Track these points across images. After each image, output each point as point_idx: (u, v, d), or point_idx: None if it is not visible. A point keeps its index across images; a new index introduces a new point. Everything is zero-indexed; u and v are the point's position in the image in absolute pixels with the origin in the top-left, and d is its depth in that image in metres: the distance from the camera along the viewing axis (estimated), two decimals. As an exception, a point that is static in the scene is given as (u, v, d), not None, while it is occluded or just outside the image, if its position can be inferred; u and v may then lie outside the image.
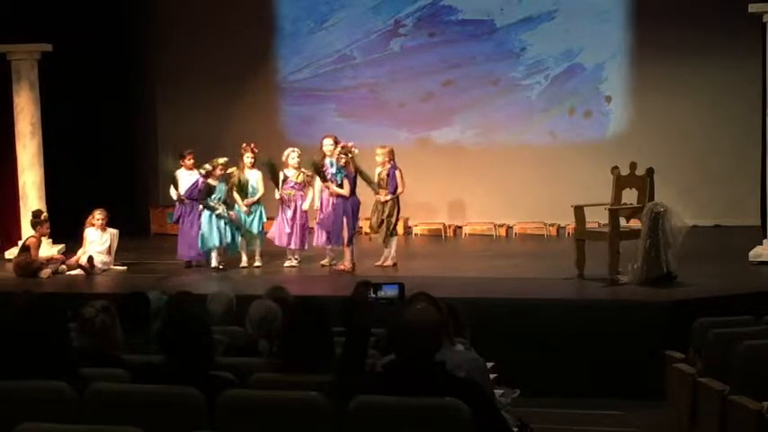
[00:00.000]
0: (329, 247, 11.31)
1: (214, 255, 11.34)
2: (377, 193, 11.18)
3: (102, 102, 15.00)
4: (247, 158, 11.41)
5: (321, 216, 11.21)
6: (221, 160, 11.34)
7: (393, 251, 11.24)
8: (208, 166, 11.34)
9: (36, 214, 11.65)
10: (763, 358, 5.57)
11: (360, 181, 11.21)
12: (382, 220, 11.10)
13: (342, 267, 11.07)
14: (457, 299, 7.27)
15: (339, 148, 11.03)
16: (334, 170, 11.16)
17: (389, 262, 11.20)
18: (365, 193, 11.44)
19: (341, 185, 11.01)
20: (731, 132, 14.19)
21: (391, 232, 11.20)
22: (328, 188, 11.05)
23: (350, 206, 11.05)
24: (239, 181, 11.37)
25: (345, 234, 11.02)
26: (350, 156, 11.03)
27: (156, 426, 3.71)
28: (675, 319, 8.26)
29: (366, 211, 11.61)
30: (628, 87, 14.86)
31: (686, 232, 9.56)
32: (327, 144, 11.25)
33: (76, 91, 14.25)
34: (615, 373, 8.37)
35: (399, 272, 10.81)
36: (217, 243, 11.24)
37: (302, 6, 15.84)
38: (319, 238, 11.31)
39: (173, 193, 11.61)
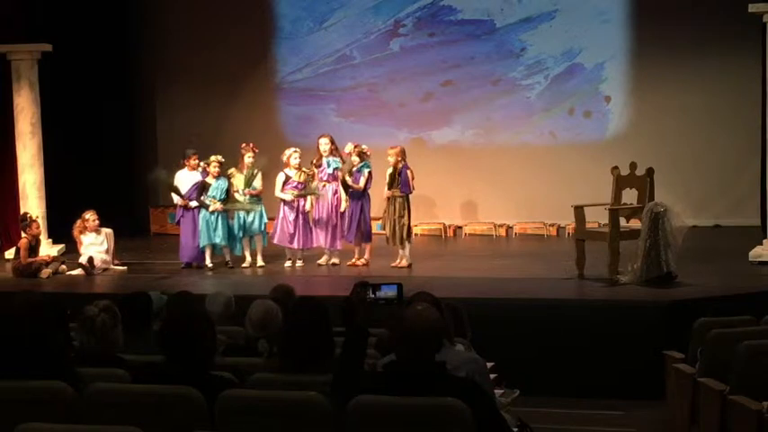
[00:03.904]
0: (332, 247, 11.41)
1: (208, 253, 11.35)
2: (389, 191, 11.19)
3: (102, 102, 15.01)
4: (248, 158, 11.40)
5: (334, 219, 11.27)
6: (214, 158, 11.36)
7: (408, 252, 11.24)
8: (202, 164, 11.41)
9: (22, 217, 11.65)
10: (763, 358, 5.57)
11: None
12: (394, 223, 11.09)
13: (362, 263, 11.30)
14: (457, 299, 7.28)
15: (360, 148, 11.26)
16: (330, 170, 11.24)
17: (404, 263, 11.20)
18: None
19: (364, 180, 11.23)
20: (731, 132, 14.18)
21: (407, 236, 11.20)
22: (353, 185, 11.17)
23: (368, 201, 11.39)
24: (246, 179, 11.37)
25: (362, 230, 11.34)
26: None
27: (156, 426, 3.72)
28: (675, 319, 8.26)
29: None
30: (628, 87, 14.85)
31: (686, 232, 9.56)
32: (324, 144, 11.31)
33: (76, 91, 14.26)
34: (615, 372, 8.36)
35: (400, 272, 10.80)
36: (211, 240, 11.25)
37: (302, 6, 15.83)
38: (334, 239, 11.37)
39: (176, 199, 11.56)
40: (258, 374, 4.41)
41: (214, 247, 11.39)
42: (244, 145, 11.55)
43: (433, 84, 15.38)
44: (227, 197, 11.36)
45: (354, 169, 11.24)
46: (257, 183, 11.42)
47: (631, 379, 8.24)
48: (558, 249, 12.59)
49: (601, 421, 7.71)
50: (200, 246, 11.35)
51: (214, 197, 11.29)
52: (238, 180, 11.38)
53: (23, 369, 4.07)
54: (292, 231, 11.35)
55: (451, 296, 7.47)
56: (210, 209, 11.23)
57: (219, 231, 11.27)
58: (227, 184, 11.36)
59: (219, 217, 11.27)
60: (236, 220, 11.41)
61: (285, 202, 11.35)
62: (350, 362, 4.07)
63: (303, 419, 3.87)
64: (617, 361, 8.41)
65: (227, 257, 11.47)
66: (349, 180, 11.20)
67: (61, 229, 12.40)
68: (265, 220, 11.48)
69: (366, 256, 11.41)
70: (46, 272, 11.13)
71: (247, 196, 11.31)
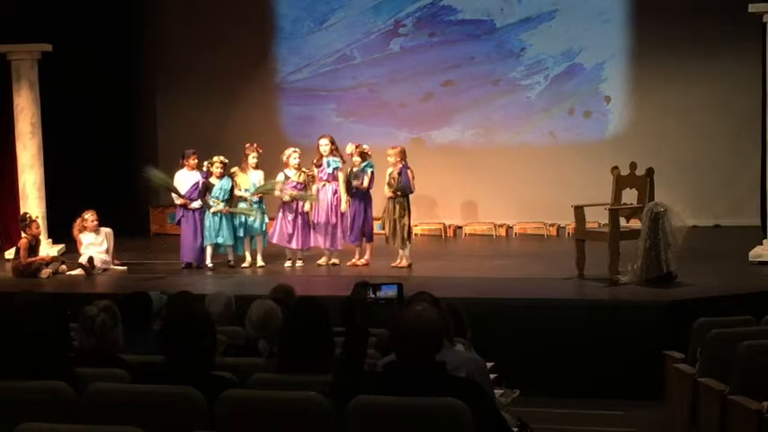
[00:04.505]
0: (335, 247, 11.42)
1: (209, 253, 11.35)
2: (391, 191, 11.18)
3: (102, 102, 15.01)
4: (252, 159, 11.41)
5: (334, 219, 11.28)
6: (217, 158, 11.37)
7: (408, 252, 11.24)
8: (206, 163, 11.42)
9: (22, 217, 11.66)
10: (763, 358, 5.57)
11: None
12: (395, 223, 11.09)
13: (363, 263, 11.30)
14: (457, 299, 7.28)
15: (361, 148, 11.28)
16: (330, 170, 11.25)
17: (404, 263, 11.19)
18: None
19: (368, 180, 11.22)
20: (731, 132, 14.18)
21: (407, 236, 11.20)
22: (357, 186, 11.16)
23: (370, 201, 11.38)
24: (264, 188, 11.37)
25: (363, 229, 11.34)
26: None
27: (156, 426, 3.71)
28: (675, 319, 8.26)
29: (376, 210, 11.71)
30: (628, 87, 14.85)
31: (686, 232, 9.57)
32: (324, 144, 11.32)
33: (76, 91, 14.25)
34: (615, 373, 8.37)
35: (400, 272, 10.80)
36: (214, 240, 11.25)
37: (302, 6, 15.84)
38: (334, 239, 11.37)
39: (176, 198, 11.56)
40: (258, 374, 4.41)
41: (217, 246, 11.39)
42: (248, 145, 11.55)
43: (433, 84, 15.38)
44: (231, 197, 11.36)
45: (357, 169, 11.23)
46: (259, 183, 11.42)
47: (631, 379, 8.24)
48: (558, 249, 12.59)
49: (601, 421, 7.71)
50: (204, 244, 11.34)
51: (217, 197, 11.29)
52: (241, 180, 11.39)
53: (23, 369, 4.07)
54: (291, 231, 11.36)
55: (451, 296, 7.48)
56: (212, 210, 11.23)
57: (224, 231, 11.28)
58: (230, 184, 11.36)
59: (223, 217, 11.27)
60: (237, 219, 11.41)
61: (284, 201, 11.36)
62: (350, 362, 4.07)
63: (303, 419, 3.87)
64: (617, 361, 8.41)
65: (230, 257, 11.47)
66: (355, 183, 11.18)
67: (61, 229, 12.41)
68: (266, 220, 11.49)
69: (366, 256, 11.41)
70: (46, 272, 11.13)
71: (254, 197, 11.31)
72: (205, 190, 11.33)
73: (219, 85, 15.64)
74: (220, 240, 11.30)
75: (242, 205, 11.35)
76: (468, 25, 15.23)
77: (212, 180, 11.34)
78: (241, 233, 11.41)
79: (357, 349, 4.11)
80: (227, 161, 11.43)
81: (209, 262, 11.35)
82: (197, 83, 15.76)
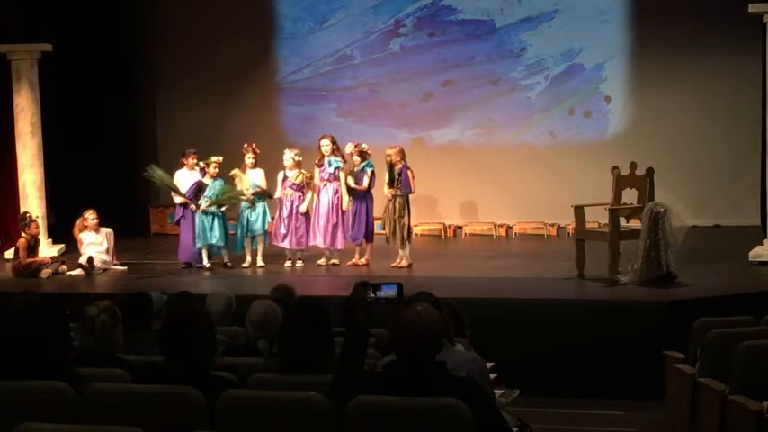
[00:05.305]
0: (337, 247, 11.42)
1: (204, 254, 11.34)
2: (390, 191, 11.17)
3: (102, 102, 15.01)
4: (248, 159, 11.41)
5: (335, 219, 11.27)
6: (214, 159, 11.36)
7: (408, 252, 11.24)
8: (201, 164, 11.41)
9: (22, 217, 11.66)
10: (763, 358, 5.57)
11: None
12: (395, 223, 11.09)
13: (363, 262, 11.29)
14: (457, 299, 7.28)
15: (360, 147, 11.30)
16: (331, 170, 11.25)
17: (404, 263, 11.19)
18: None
19: (368, 180, 11.21)
20: (731, 132, 14.18)
21: (407, 236, 11.19)
22: (356, 187, 11.15)
23: (371, 200, 11.36)
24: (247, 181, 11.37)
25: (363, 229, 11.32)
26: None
27: (156, 426, 3.71)
28: (675, 319, 8.26)
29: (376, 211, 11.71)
30: (628, 87, 14.85)
31: (686, 232, 9.57)
32: (325, 145, 11.32)
33: (76, 91, 14.25)
34: (615, 373, 8.37)
35: (400, 272, 10.79)
36: (207, 241, 11.24)
37: (302, 6, 15.84)
38: (334, 239, 11.35)
39: (176, 198, 11.55)
40: (258, 374, 4.41)
41: (211, 247, 11.38)
42: (246, 145, 11.56)
43: (433, 84, 15.38)
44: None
45: (357, 169, 11.24)
46: (261, 183, 11.41)
47: (631, 379, 8.24)
48: (558, 249, 12.59)
49: (601, 421, 7.71)
50: (197, 246, 11.33)
51: (210, 197, 11.28)
52: (241, 180, 11.38)
53: (23, 369, 4.07)
54: (285, 232, 11.37)
55: (451, 296, 7.47)
56: (201, 208, 11.19)
57: (216, 232, 11.26)
58: (223, 185, 11.35)
59: (215, 218, 11.26)
60: (238, 219, 11.41)
61: (281, 201, 11.37)
62: (350, 362, 4.07)
63: (303, 419, 3.87)
64: (617, 361, 8.41)
65: (226, 258, 11.46)
66: (351, 183, 11.19)
67: (61, 229, 12.41)
68: (268, 219, 11.49)
69: (366, 255, 11.41)
70: (46, 272, 11.13)
71: (252, 196, 11.32)
72: (199, 190, 11.32)
73: (219, 85, 15.64)
74: (213, 241, 11.28)
75: (242, 212, 11.36)
76: (468, 25, 15.23)
77: (206, 180, 11.34)
78: (243, 232, 11.39)
79: (357, 349, 4.11)
80: (221, 160, 11.42)
81: (206, 263, 11.33)
82: (197, 83, 15.76)
